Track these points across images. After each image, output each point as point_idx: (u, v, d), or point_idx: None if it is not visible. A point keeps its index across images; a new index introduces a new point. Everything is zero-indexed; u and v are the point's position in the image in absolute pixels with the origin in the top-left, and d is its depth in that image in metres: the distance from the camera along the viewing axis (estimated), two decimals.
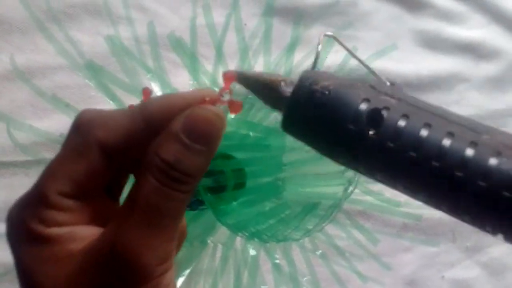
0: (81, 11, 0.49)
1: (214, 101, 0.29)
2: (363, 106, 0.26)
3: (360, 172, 0.28)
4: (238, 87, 0.31)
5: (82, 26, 0.49)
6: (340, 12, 0.61)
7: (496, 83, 0.71)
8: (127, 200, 0.26)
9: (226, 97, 0.30)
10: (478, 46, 0.71)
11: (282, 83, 0.29)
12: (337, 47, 0.58)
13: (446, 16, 0.69)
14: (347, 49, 0.35)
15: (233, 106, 0.31)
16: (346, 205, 0.56)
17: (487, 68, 0.71)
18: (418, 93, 0.65)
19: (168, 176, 0.25)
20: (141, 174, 0.25)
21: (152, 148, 0.25)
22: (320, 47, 0.32)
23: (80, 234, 0.26)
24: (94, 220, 0.27)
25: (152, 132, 0.26)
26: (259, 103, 0.51)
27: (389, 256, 0.59)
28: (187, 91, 0.28)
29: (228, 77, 0.31)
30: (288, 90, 0.28)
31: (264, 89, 0.30)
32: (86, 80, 0.48)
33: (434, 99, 0.66)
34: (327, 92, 0.26)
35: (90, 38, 0.49)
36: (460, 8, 0.71)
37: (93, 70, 0.48)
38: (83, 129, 0.26)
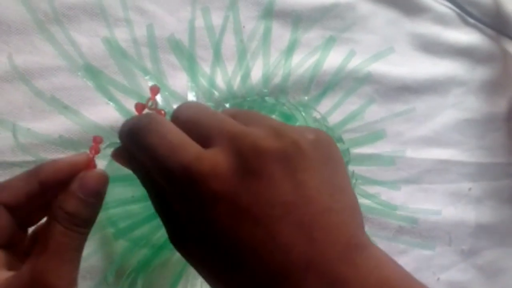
0: (80, 13, 0.49)
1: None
2: None
3: None
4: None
5: (80, 27, 0.49)
6: (338, 15, 0.62)
7: (493, 87, 0.72)
8: (40, 242, 0.32)
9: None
10: (474, 50, 0.71)
11: None
12: (336, 49, 0.58)
13: (443, 20, 0.70)
14: None
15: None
16: None
17: (484, 72, 0.72)
18: (415, 96, 0.65)
19: (71, 223, 0.32)
20: (49, 221, 0.33)
21: (57, 202, 0.33)
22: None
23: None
24: (5, 264, 0.33)
25: (45, 191, 0.33)
26: (257, 106, 0.51)
27: None
28: (70, 157, 0.35)
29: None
30: None
31: None
32: (85, 81, 0.48)
33: (430, 102, 0.66)
34: None
35: (89, 39, 0.49)
36: (457, 12, 0.71)
37: (92, 72, 0.48)
38: None
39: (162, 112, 0.38)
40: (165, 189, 0.32)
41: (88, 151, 0.35)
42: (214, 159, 0.29)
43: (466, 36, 0.71)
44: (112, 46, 0.50)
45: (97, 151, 0.36)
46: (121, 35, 0.50)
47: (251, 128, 0.31)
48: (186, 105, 0.35)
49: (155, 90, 0.39)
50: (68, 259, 0.32)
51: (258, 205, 0.28)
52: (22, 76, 0.47)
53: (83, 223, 0.33)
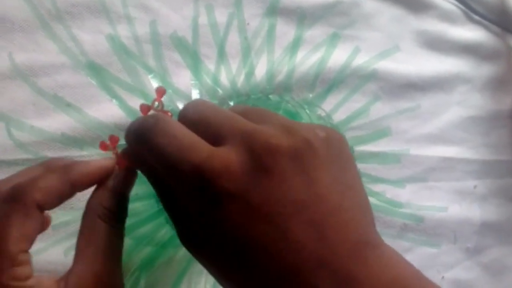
0: (84, 10, 0.49)
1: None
2: None
3: None
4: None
5: (84, 25, 0.49)
6: (343, 12, 0.61)
7: (498, 84, 0.71)
8: (85, 241, 0.33)
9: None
10: (480, 47, 0.71)
11: None
12: (340, 46, 0.58)
13: (448, 17, 0.69)
14: None
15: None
16: None
17: (489, 69, 0.71)
18: (420, 94, 0.65)
19: (118, 222, 0.34)
20: (90, 220, 0.34)
21: (97, 200, 0.34)
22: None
23: (44, 282, 0.32)
24: None
25: (74, 190, 0.34)
26: (261, 104, 0.51)
27: None
28: (99, 160, 0.35)
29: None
30: None
31: None
32: (89, 79, 0.48)
33: (436, 100, 0.66)
34: None
35: (92, 37, 0.49)
36: (463, 9, 0.71)
37: (95, 69, 0.48)
38: (22, 195, 0.32)
39: (169, 113, 0.38)
40: (174, 189, 0.32)
41: (109, 152, 0.37)
42: (226, 157, 0.29)
43: (471, 33, 0.71)
44: (116, 43, 0.49)
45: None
46: (124, 32, 0.50)
47: (262, 126, 0.31)
48: (193, 103, 0.35)
49: (161, 91, 0.39)
50: (119, 258, 0.34)
51: (270, 203, 0.28)
52: (25, 74, 0.47)
53: (123, 220, 0.35)
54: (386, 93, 0.62)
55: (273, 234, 0.27)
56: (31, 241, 0.32)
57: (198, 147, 0.30)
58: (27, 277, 0.31)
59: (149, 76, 0.50)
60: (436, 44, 0.68)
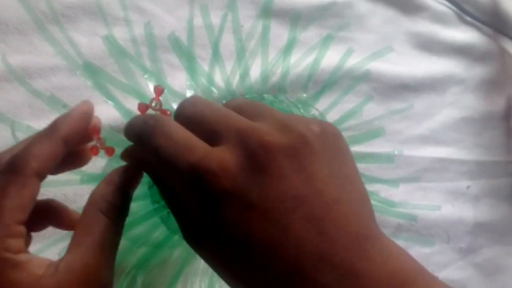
0: (79, 12, 0.49)
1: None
2: None
3: None
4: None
5: (79, 27, 0.49)
6: (336, 14, 0.62)
7: (491, 85, 0.72)
8: (82, 232, 0.32)
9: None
10: (472, 48, 0.71)
11: None
12: (332, 47, 0.58)
13: (440, 18, 0.70)
14: None
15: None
16: None
17: (482, 71, 0.72)
18: (413, 95, 0.65)
19: (117, 216, 0.33)
20: (91, 213, 0.33)
21: (98, 192, 0.34)
22: None
23: (35, 261, 0.31)
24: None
25: (69, 144, 0.34)
26: (264, 102, 0.51)
27: None
28: (76, 107, 0.35)
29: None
30: None
31: None
32: (84, 80, 0.48)
33: (428, 101, 0.66)
34: None
35: (88, 39, 0.49)
36: (455, 10, 0.71)
37: (91, 70, 0.48)
38: (19, 165, 0.31)
39: (168, 112, 0.38)
40: (175, 188, 0.32)
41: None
42: (222, 157, 0.29)
43: (463, 34, 0.71)
44: (112, 44, 0.50)
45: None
46: (120, 34, 0.51)
47: (257, 123, 0.31)
48: (189, 101, 0.35)
49: (159, 90, 0.39)
50: (113, 254, 0.33)
51: (268, 200, 0.28)
52: (21, 75, 0.47)
53: (124, 217, 0.34)
54: (379, 94, 0.62)
55: (273, 230, 0.28)
56: (26, 212, 0.31)
57: (194, 147, 0.30)
58: (19, 251, 0.30)
59: (144, 77, 0.50)
60: (429, 45, 0.68)
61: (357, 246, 0.27)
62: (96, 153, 0.36)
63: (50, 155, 0.32)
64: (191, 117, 0.33)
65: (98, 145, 0.36)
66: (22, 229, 0.31)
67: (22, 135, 0.46)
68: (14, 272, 0.30)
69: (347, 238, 0.27)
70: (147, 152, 0.33)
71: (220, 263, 0.31)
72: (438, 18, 0.70)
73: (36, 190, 0.32)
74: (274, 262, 0.28)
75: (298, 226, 0.27)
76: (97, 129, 0.36)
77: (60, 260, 0.32)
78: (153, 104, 0.38)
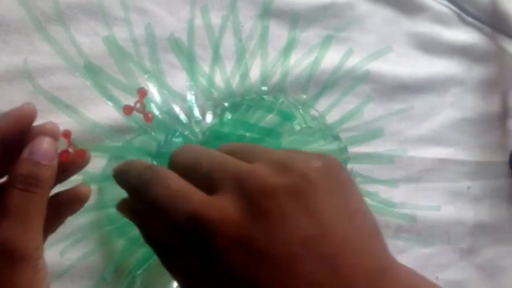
0: (80, 12, 0.49)
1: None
2: None
3: None
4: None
5: (80, 27, 0.49)
6: (336, 14, 0.62)
7: (491, 86, 0.72)
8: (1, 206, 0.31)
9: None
10: (472, 49, 0.71)
11: None
12: (332, 48, 0.58)
13: (441, 19, 0.70)
14: None
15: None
16: None
17: (482, 71, 0.72)
18: (413, 95, 0.65)
19: (28, 184, 0.31)
20: (6, 190, 0.31)
21: (13, 170, 0.32)
22: None
23: None
24: None
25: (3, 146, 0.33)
26: (255, 104, 0.51)
27: None
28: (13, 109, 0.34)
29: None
30: None
31: None
32: (85, 81, 0.48)
33: (429, 101, 0.66)
34: None
35: (88, 39, 0.49)
36: (455, 11, 0.71)
37: (91, 71, 0.49)
38: None
39: (149, 115, 0.38)
40: (171, 242, 0.30)
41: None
42: (221, 205, 0.28)
43: (464, 35, 0.71)
44: (112, 44, 0.50)
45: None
46: (120, 34, 0.51)
47: (254, 166, 0.30)
48: (183, 150, 0.34)
49: (142, 93, 0.39)
50: (31, 222, 0.31)
51: (275, 245, 0.27)
52: (21, 75, 0.47)
53: (39, 183, 0.32)
54: (380, 95, 0.62)
55: (283, 276, 0.26)
56: None
57: (192, 196, 0.29)
58: None
59: (145, 77, 0.50)
60: (429, 46, 0.68)
61: (373, 280, 0.26)
62: (66, 158, 0.35)
63: None
64: (186, 166, 0.33)
65: (70, 149, 0.36)
66: None
67: None
68: None
69: (361, 274, 0.26)
70: (143, 204, 0.32)
71: None
72: (438, 18, 0.70)
73: None
74: None
75: (309, 269, 0.26)
76: (67, 133, 0.36)
77: None
78: (137, 106, 0.38)
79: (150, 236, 0.33)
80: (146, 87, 0.49)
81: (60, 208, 0.36)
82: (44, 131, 0.34)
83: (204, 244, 0.28)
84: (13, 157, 0.33)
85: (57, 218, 0.36)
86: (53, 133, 0.34)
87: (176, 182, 0.31)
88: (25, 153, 0.32)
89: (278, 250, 0.27)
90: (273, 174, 0.29)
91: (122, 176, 0.34)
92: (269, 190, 0.28)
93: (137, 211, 0.34)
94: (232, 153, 0.33)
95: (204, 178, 0.31)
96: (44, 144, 0.33)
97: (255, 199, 0.28)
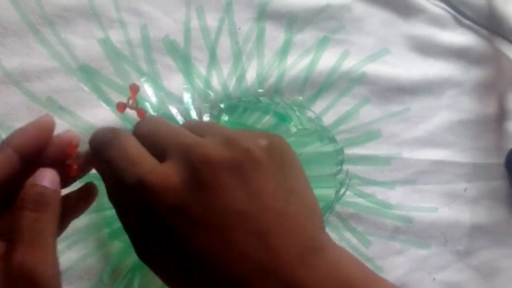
0: (76, 15, 0.50)
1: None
2: None
3: None
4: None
5: (76, 29, 0.49)
6: (333, 16, 0.62)
7: (487, 88, 0.72)
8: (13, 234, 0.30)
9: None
10: (469, 51, 0.71)
11: None
12: (328, 50, 0.58)
13: (437, 21, 0.70)
14: None
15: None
16: (338, 208, 0.56)
17: (478, 73, 0.72)
18: (409, 97, 0.65)
19: (39, 205, 0.31)
20: (17, 213, 0.31)
21: (20, 196, 0.31)
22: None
23: None
24: None
25: (21, 162, 0.32)
26: (252, 106, 0.51)
27: (381, 259, 0.60)
28: (33, 121, 0.34)
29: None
30: None
31: None
32: (81, 83, 0.48)
33: (425, 103, 0.66)
34: None
35: (84, 41, 0.50)
36: (452, 13, 0.72)
37: (88, 73, 0.49)
38: None
39: (143, 111, 0.38)
40: (123, 202, 0.32)
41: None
42: (166, 173, 0.29)
43: (460, 37, 0.71)
44: (108, 47, 0.50)
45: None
46: (116, 36, 0.51)
47: (203, 139, 0.31)
48: (146, 119, 0.36)
49: (135, 89, 0.39)
50: (46, 245, 0.31)
51: (211, 216, 0.28)
52: (18, 78, 0.47)
53: (49, 201, 0.31)
54: (376, 97, 0.62)
55: (216, 246, 0.28)
56: None
57: (143, 162, 0.31)
58: None
59: (141, 79, 0.50)
60: (426, 48, 0.68)
61: (303, 258, 0.27)
62: (74, 173, 0.35)
63: (4, 171, 0.32)
64: (146, 134, 0.34)
65: (74, 164, 0.35)
66: None
67: None
68: None
69: (293, 251, 0.27)
70: (101, 163, 0.33)
71: (168, 279, 0.31)
72: (434, 21, 0.70)
73: None
74: (219, 278, 0.27)
75: (241, 241, 0.27)
76: (73, 145, 0.35)
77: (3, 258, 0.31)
78: (130, 103, 0.38)
79: (109, 193, 0.33)
80: (142, 89, 0.49)
81: (67, 210, 0.35)
82: (64, 140, 0.34)
83: (147, 206, 0.29)
84: (33, 170, 0.32)
85: (63, 221, 0.36)
86: (72, 140, 0.35)
87: (133, 147, 0.32)
88: (33, 179, 0.32)
89: (211, 220, 0.28)
90: (218, 148, 0.30)
91: (92, 137, 0.35)
92: (212, 162, 0.29)
93: (97, 169, 0.34)
94: (190, 127, 0.34)
95: (158, 147, 0.32)
96: (48, 172, 0.32)
97: (197, 169, 0.29)
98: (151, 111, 0.49)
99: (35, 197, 0.31)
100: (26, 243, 0.30)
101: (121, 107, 0.38)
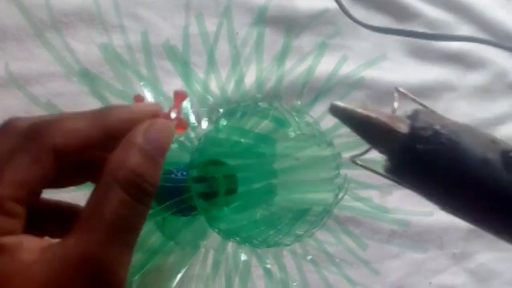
0: (76, 20, 0.50)
1: (166, 117, 0.30)
2: (492, 147, 0.26)
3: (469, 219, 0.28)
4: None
5: (76, 34, 0.50)
6: (331, 21, 0.62)
7: (483, 92, 0.72)
8: (90, 211, 0.26)
9: (173, 116, 0.31)
10: (465, 56, 0.72)
11: (393, 119, 0.28)
12: (326, 55, 0.59)
13: (434, 26, 0.71)
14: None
15: (180, 124, 0.32)
16: (336, 211, 0.56)
17: (475, 78, 0.72)
18: (407, 101, 0.66)
19: (138, 188, 0.26)
20: (104, 186, 0.26)
21: (116, 159, 0.26)
22: (396, 104, 0.31)
23: (27, 244, 0.25)
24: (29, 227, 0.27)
25: (108, 141, 0.27)
26: (250, 111, 0.51)
27: (378, 262, 0.60)
28: (140, 103, 0.29)
29: (179, 95, 0.32)
30: (402, 126, 0.27)
31: (368, 124, 0.29)
32: (81, 87, 0.48)
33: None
34: (451, 129, 0.26)
35: (85, 46, 0.50)
36: (448, 18, 0.72)
37: (87, 77, 0.49)
38: (38, 133, 0.26)
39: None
40: None
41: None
42: None
43: (456, 42, 0.72)
44: (108, 52, 0.50)
45: (179, 109, 0.31)
46: (116, 41, 0.51)
47: None
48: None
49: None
50: (128, 240, 0.26)
51: None
52: (18, 82, 0.47)
53: (149, 190, 0.26)
54: (373, 101, 0.63)
55: None
56: (29, 191, 0.26)
57: None
58: (9, 232, 0.25)
59: (141, 84, 0.50)
60: (422, 53, 0.69)
61: None
62: (184, 128, 0.30)
63: (81, 136, 0.27)
64: None
65: (180, 116, 0.30)
66: (17, 208, 0.25)
67: None
68: None
69: None
70: None
71: None
72: (431, 25, 0.70)
73: (49, 170, 0.26)
74: None
75: None
76: (183, 95, 0.30)
77: (59, 243, 0.26)
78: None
79: None
80: (142, 94, 0.49)
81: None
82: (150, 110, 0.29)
83: None
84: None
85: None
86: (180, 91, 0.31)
87: None
88: (139, 139, 0.27)
89: None
90: None
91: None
92: None
93: None
94: None
95: None
96: (165, 135, 0.28)
97: None
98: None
99: (135, 178, 0.26)
100: (108, 233, 0.25)
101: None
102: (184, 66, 0.53)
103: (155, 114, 0.29)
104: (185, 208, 0.44)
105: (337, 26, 0.63)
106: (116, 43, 0.51)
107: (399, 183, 0.27)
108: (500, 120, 0.73)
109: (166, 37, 0.53)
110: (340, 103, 0.29)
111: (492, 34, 0.75)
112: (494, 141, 0.26)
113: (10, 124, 0.27)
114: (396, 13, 0.68)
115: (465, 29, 0.73)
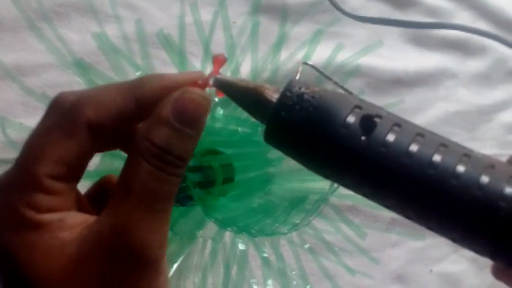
0: (71, 10, 0.50)
1: (204, 85, 0.29)
2: (355, 112, 0.26)
3: (345, 186, 0.28)
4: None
5: (71, 24, 0.50)
6: (327, 9, 0.62)
7: (483, 79, 0.72)
8: (120, 184, 0.26)
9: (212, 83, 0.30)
10: (465, 43, 0.71)
11: (267, 89, 0.28)
12: (323, 43, 0.58)
13: (433, 13, 0.70)
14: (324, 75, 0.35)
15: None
16: (336, 200, 0.56)
17: (474, 65, 0.72)
18: (406, 89, 0.65)
19: (162, 161, 0.25)
20: (133, 157, 0.26)
21: (142, 132, 0.26)
22: (298, 75, 0.32)
23: (69, 221, 0.26)
24: (75, 204, 0.27)
25: (141, 111, 0.27)
26: None
27: (378, 251, 0.60)
28: (178, 72, 0.29)
29: (219, 60, 0.31)
30: (274, 95, 0.28)
31: (246, 95, 0.29)
32: (76, 78, 0.48)
33: (422, 95, 0.67)
34: (317, 96, 0.27)
35: (80, 36, 0.50)
36: (448, 5, 0.72)
37: (83, 67, 0.49)
38: (72, 109, 0.26)
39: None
40: None
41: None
42: None
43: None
44: (103, 41, 0.50)
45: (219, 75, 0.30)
46: (112, 31, 0.51)
47: None
48: None
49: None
50: (158, 209, 0.26)
51: None
52: (13, 73, 0.47)
53: (177, 162, 0.26)
54: (372, 89, 0.63)
55: None
56: (69, 167, 0.26)
57: None
58: (49, 209, 0.25)
59: (137, 74, 0.50)
60: (421, 40, 0.68)
61: None
62: (205, 85, 0.28)
63: (113, 109, 0.26)
64: None
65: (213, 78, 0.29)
66: (56, 185, 0.25)
67: (14, 133, 0.46)
68: (33, 233, 0.25)
69: None
70: None
71: None
72: (431, 12, 0.70)
73: (85, 145, 0.26)
74: None
75: None
76: (222, 59, 0.30)
77: (96, 219, 0.26)
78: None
79: None
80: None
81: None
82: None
83: None
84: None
85: None
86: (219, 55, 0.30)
87: None
88: (166, 111, 0.26)
89: None
90: None
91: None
92: None
93: None
94: None
95: None
96: (195, 105, 0.26)
97: None
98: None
99: (165, 150, 0.25)
100: (136, 202, 0.25)
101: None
102: (180, 55, 0.52)
103: (192, 82, 0.28)
104: (182, 198, 0.44)
105: (334, 14, 0.62)
106: (112, 33, 0.51)
107: (278, 150, 0.28)
108: (500, 106, 0.72)
109: (162, 27, 0.52)
110: (221, 76, 0.29)
111: (492, 21, 0.74)
112: (359, 106, 0.27)
113: (54, 101, 0.27)
114: (394, 1, 0.67)
115: (464, 16, 0.73)
